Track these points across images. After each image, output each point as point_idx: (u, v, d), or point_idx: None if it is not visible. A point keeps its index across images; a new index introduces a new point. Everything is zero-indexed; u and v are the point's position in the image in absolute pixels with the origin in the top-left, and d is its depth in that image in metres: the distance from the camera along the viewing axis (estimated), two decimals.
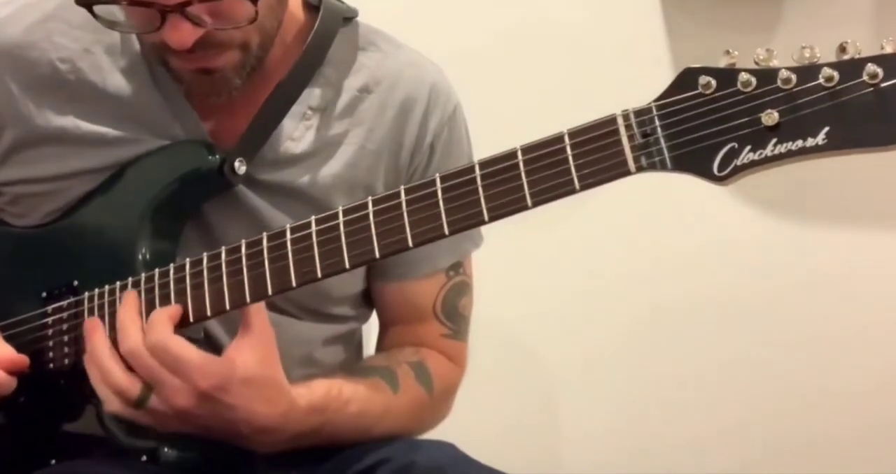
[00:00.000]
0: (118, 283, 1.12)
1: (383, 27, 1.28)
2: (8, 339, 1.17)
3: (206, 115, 1.19)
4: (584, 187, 0.93)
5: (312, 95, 1.20)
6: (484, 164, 0.97)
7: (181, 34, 1.04)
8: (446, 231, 0.98)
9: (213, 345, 1.14)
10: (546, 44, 1.89)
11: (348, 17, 1.24)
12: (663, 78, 1.85)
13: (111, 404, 1.04)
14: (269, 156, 1.18)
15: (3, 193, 1.24)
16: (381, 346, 1.30)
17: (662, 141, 0.90)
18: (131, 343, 1.03)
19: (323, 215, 1.04)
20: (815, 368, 1.85)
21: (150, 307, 1.10)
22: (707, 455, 1.86)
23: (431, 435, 1.24)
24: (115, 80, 1.19)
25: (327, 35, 1.21)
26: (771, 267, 1.84)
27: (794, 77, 0.87)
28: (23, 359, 1.14)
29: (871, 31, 1.79)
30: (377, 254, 1.01)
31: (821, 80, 0.86)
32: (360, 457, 1.17)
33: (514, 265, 1.86)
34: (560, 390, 1.92)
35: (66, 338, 1.15)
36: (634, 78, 1.80)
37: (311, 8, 1.23)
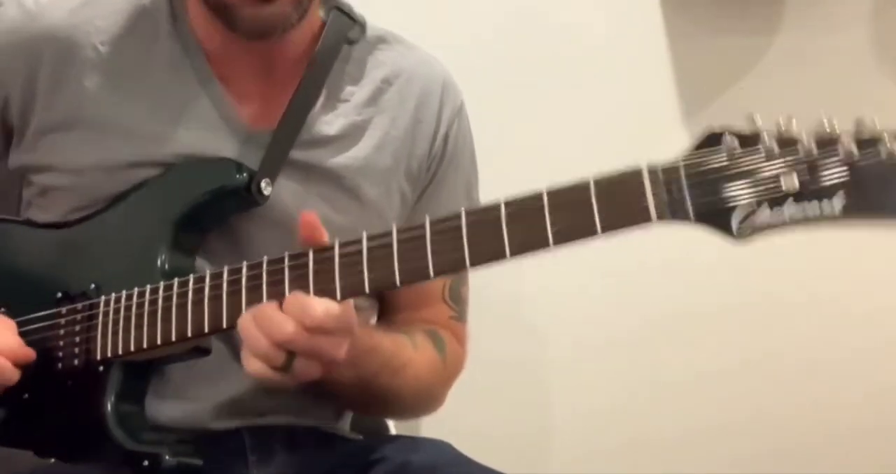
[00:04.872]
0: (136, 290, 1.15)
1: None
2: (21, 336, 1.18)
3: (239, 102, 1.24)
4: (605, 231, 0.98)
5: (339, 87, 1.27)
6: (510, 203, 1.02)
7: None
8: (468, 263, 1.02)
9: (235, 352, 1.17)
10: (545, 44, 1.92)
11: (351, 42, 1.31)
12: (663, 78, 1.92)
13: (257, 369, 1.06)
14: (302, 137, 1.24)
15: (33, 183, 1.26)
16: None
17: (686, 194, 0.95)
18: (290, 331, 1.03)
19: (347, 240, 1.07)
20: (815, 370, 1.84)
21: (167, 315, 1.12)
22: (706, 454, 1.87)
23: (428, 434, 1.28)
24: (154, 64, 1.23)
25: (335, 41, 1.28)
26: (776, 267, 1.81)
27: (815, 145, 0.92)
28: (29, 353, 1.16)
29: (871, 32, 1.82)
30: (398, 282, 1.05)
31: (840, 151, 0.91)
32: (356, 456, 1.21)
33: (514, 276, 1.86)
34: (557, 391, 1.93)
35: (77, 338, 1.17)
36: (634, 79, 1.89)
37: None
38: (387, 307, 1.33)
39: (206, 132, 1.22)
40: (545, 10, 1.92)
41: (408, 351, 1.23)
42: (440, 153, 1.32)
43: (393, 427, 1.53)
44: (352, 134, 1.27)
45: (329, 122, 1.26)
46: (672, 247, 1.80)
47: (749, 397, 1.86)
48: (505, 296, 1.83)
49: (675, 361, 1.88)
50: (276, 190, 1.21)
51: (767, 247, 1.77)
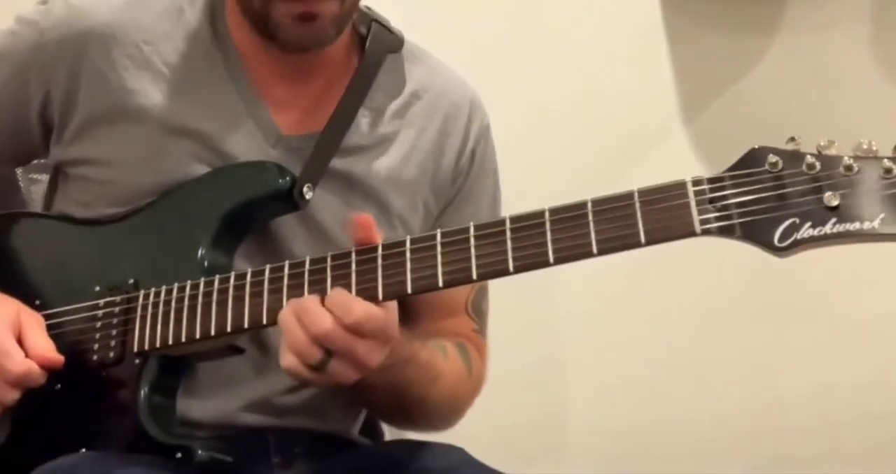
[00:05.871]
0: (175, 285, 1.16)
1: None
2: (54, 327, 1.20)
3: (274, 108, 1.26)
4: (649, 243, 1.01)
5: (370, 98, 1.29)
6: (554, 211, 1.05)
7: None
8: (511, 268, 1.05)
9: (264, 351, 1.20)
10: (545, 44, 1.95)
11: (393, 50, 1.33)
12: (663, 78, 1.93)
13: (291, 364, 1.07)
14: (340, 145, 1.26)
15: (70, 176, 1.27)
16: None
17: (732, 208, 0.98)
18: (327, 326, 1.05)
19: (390, 242, 1.10)
20: (826, 362, 1.85)
21: (206, 310, 1.14)
22: (726, 453, 1.88)
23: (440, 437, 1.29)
24: (193, 68, 1.25)
25: (378, 53, 1.30)
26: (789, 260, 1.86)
27: (855, 165, 0.96)
28: (59, 359, 1.17)
29: (871, 31, 1.85)
30: (441, 283, 1.08)
31: (881, 171, 0.96)
32: (372, 461, 1.24)
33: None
34: (564, 392, 1.96)
35: (114, 331, 1.18)
36: (634, 78, 1.91)
37: (361, 36, 1.32)
38: (409, 315, 1.32)
39: (242, 136, 1.24)
40: (545, 10, 1.95)
41: (440, 361, 1.25)
42: (467, 167, 1.34)
43: (388, 434, 1.56)
44: (380, 144, 1.29)
45: (360, 132, 1.28)
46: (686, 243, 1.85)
47: (773, 397, 1.87)
48: (516, 303, 1.84)
49: (683, 350, 1.89)
50: (309, 210, 1.22)
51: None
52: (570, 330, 1.95)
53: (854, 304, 1.87)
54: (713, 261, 1.83)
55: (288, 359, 1.07)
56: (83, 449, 1.17)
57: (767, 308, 1.89)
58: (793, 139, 1.01)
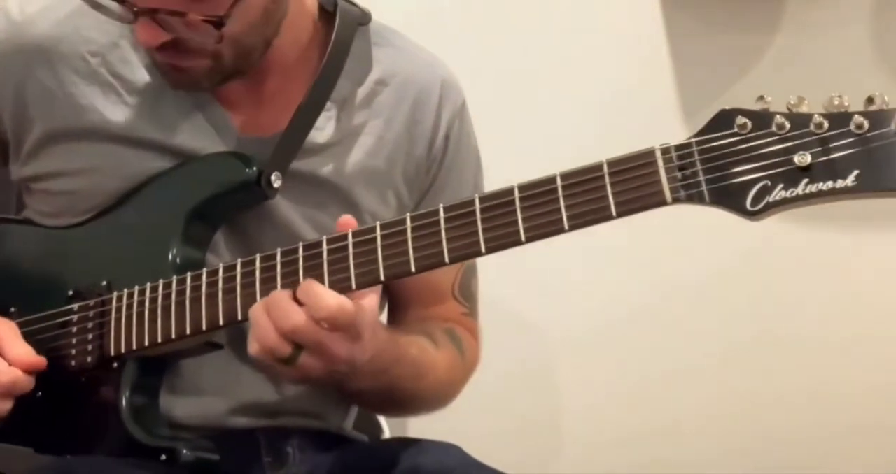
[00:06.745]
0: (148, 285, 1.15)
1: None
2: (30, 335, 1.18)
3: (231, 110, 1.23)
4: (620, 214, 0.99)
5: (336, 89, 1.24)
6: (523, 187, 1.02)
7: (148, 35, 1.12)
8: (483, 249, 1.03)
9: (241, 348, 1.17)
10: (545, 44, 1.93)
11: (363, 23, 1.29)
12: (663, 78, 1.92)
13: (260, 357, 1.06)
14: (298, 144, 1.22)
15: (33, 190, 1.26)
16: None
17: (700, 175, 0.96)
18: (296, 320, 1.03)
19: (360, 230, 1.08)
20: (812, 363, 1.85)
21: (180, 309, 1.13)
22: (709, 443, 1.87)
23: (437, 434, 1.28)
24: (142, 75, 1.22)
25: (346, 37, 1.26)
26: (779, 257, 1.85)
27: (826, 122, 0.93)
28: (41, 361, 1.16)
29: (871, 31, 1.84)
30: (413, 269, 1.05)
31: (851, 127, 0.92)
32: (367, 459, 1.21)
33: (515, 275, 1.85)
34: (562, 390, 1.94)
35: (90, 335, 1.17)
36: (633, 77, 1.90)
37: (326, 13, 1.28)
38: (397, 304, 1.33)
39: (201, 141, 1.21)
40: (545, 10, 1.94)
41: (430, 354, 1.23)
42: (440, 155, 1.30)
43: (386, 428, 1.55)
44: (344, 140, 1.25)
45: (321, 128, 1.23)
46: (667, 237, 1.82)
47: (772, 398, 1.86)
48: (504, 297, 1.83)
49: (677, 352, 1.88)
50: (275, 206, 1.20)
51: (764, 237, 1.83)
52: (566, 330, 1.94)
53: (854, 304, 1.86)
54: (714, 261, 1.84)
55: (255, 348, 1.06)
56: (67, 456, 1.16)
57: (767, 310, 1.88)
58: (762, 98, 0.98)
